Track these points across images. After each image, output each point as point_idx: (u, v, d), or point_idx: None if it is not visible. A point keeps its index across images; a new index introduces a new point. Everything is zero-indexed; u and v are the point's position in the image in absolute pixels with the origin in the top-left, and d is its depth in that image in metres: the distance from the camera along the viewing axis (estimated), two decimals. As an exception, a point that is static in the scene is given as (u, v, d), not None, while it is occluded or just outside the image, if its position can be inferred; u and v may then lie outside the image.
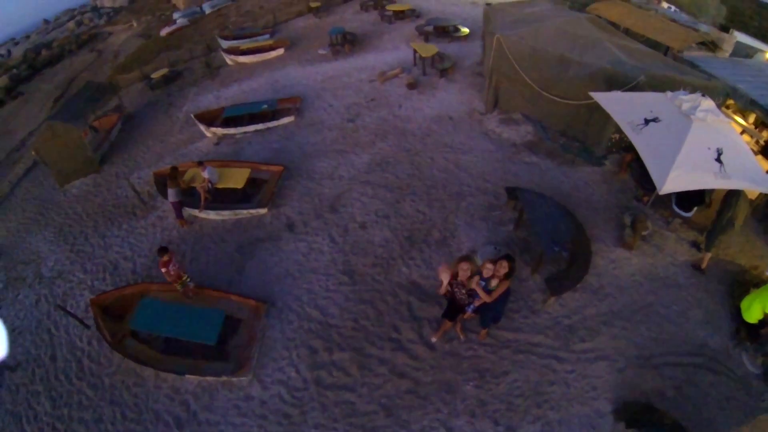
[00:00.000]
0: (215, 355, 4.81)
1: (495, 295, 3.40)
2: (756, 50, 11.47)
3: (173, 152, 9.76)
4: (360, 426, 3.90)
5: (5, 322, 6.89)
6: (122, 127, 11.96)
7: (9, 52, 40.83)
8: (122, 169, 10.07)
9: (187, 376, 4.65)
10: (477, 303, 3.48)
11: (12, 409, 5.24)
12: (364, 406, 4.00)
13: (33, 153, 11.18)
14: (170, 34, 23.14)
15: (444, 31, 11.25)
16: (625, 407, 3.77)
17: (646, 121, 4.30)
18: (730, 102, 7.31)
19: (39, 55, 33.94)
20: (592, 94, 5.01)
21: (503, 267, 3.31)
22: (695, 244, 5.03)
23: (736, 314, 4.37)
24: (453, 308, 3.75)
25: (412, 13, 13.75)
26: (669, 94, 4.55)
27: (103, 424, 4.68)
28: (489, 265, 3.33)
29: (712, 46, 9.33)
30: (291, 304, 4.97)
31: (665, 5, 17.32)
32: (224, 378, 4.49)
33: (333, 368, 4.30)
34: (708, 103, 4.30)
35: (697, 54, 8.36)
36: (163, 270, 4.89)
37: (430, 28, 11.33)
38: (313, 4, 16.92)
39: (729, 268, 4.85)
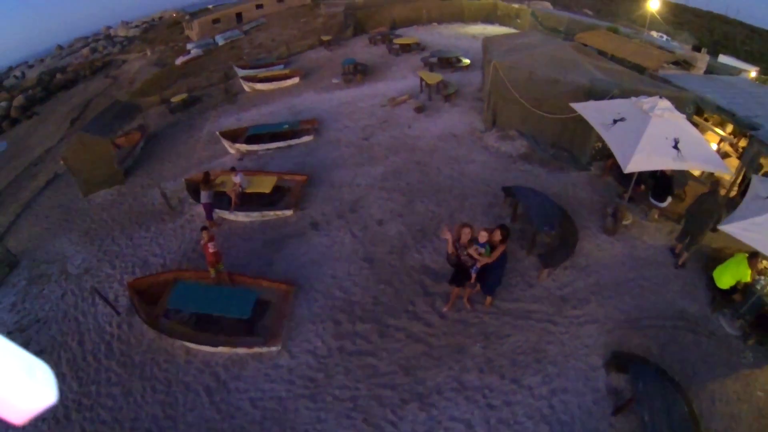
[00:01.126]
0: (245, 334, 5.62)
1: (495, 255, 4.42)
2: (740, 70, 13.62)
3: (197, 167, 11.06)
4: (381, 385, 4.70)
5: (29, 315, 7.64)
6: (144, 145, 13.40)
7: (23, 74, 44.37)
8: (147, 181, 11.27)
9: (221, 348, 5.43)
10: (479, 264, 4.48)
11: None
12: (384, 367, 4.83)
13: (61, 162, 12.46)
14: (185, 63, 25.76)
15: (447, 62, 13.19)
16: (614, 356, 4.63)
17: (615, 121, 5.57)
18: (712, 116, 8.76)
19: (53, 79, 36.97)
20: (573, 105, 6.37)
21: (497, 235, 4.38)
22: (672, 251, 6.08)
23: (712, 285, 5.34)
24: (459, 274, 4.73)
25: (418, 47, 15.94)
26: (633, 99, 5.87)
27: (132, 396, 5.33)
28: (483, 233, 4.41)
29: (685, 65, 11.17)
30: (317, 286, 5.91)
31: (655, 34, 19.99)
32: (255, 349, 5.29)
33: (356, 337, 5.17)
34: (665, 104, 5.57)
35: (671, 72, 10.05)
36: (208, 246, 5.82)
37: (434, 60, 13.28)
38: (325, 38, 19.35)
39: (703, 250, 5.89)
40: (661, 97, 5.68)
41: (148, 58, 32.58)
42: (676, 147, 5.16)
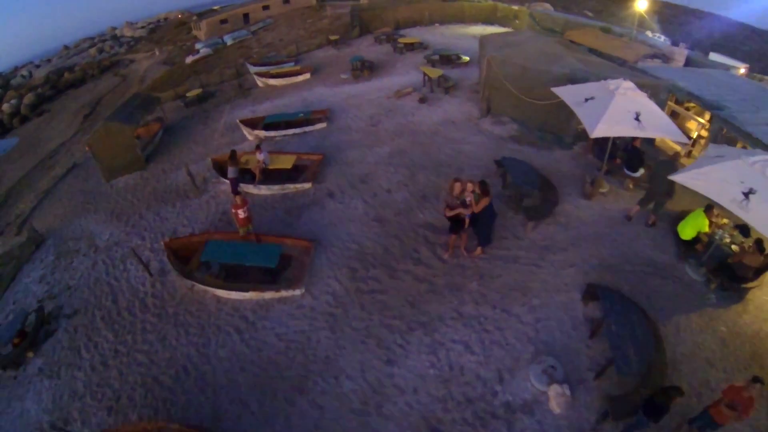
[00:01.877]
0: (271, 283, 6.65)
1: (480, 205, 5.49)
2: (729, 66, 14.98)
3: (216, 152, 12.18)
4: (391, 316, 5.75)
5: (59, 284, 8.52)
6: (163, 135, 14.59)
7: (30, 73, 46.23)
8: (168, 166, 12.41)
9: (250, 293, 6.46)
10: (469, 212, 5.56)
11: (70, 345, 6.78)
12: (393, 302, 5.89)
13: (87, 149, 13.61)
14: (195, 61, 27.22)
15: (448, 59, 14.45)
16: (588, 287, 5.66)
17: (586, 100, 6.72)
18: (691, 104, 9.90)
19: (62, 78, 38.62)
20: (554, 89, 7.53)
21: (476, 185, 5.49)
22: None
23: (677, 238, 6.30)
24: (455, 224, 5.80)
25: (420, 45, 17.26)
26: (602, 81, 7.00)
27: (167, 340, 6.30)
28: (469, 185, 5.51)
29: (665, 58, 12.50)
30: (334, 242, 7.02)
31: (650, 34, 21.41)
32: (282, 292, 6.33)
33: (369, 280, 6.24)
34: (628, 84, 6.69)
35: (650, 64, 11.28)
36: (239, 212, 6.90)
37: (436, 57, 14.56)
38: (332, 37, 20.73)
39: (671, 212, 6.91)
40: (625, 79, 6.81)
41: (157, 57, 34.19)
42: (637, 119, 6.28)
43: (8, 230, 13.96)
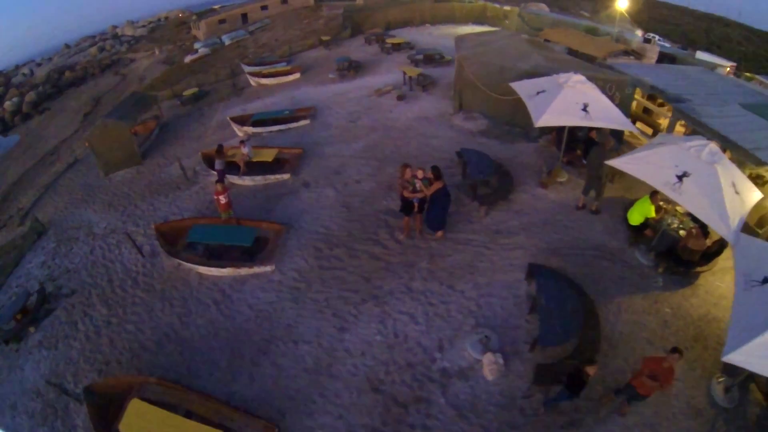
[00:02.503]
0: (248, 262, 7.54)
1: (432, 189, 6.27)
2: (716, 65, 15.78)
3: (207, 148, 13.15)
4: (347, 290, 6.58)
5: (59, 268, 9.45)
6: (159, 132, 15.62)
7: (32, 72, 47.93)
8: (162, 161, 13.39)
9: (227, 269, 7.35)
10: (419, 196, 6.36)
11: (67, 320, 7.65)
12: (350, 278, 6.73)
13: (86, 144, 14.68)
14: (193, 61, 28.40)
15: (431, 59, 15.31)
16: (528, 266, 6.28)
17: (537, 93, 7.42)
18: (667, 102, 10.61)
19: (63, 76, 40.13)
20: (511, 84, 8.29)
21: (427, 172, 6.29)
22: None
23: (627, 224, 6.79)
24: (406, 206, 6.60)
25: (407, 45, 18.15)
26: (554, 75, 7.65)
27: (153, 312, 7.17)
28: (419, 171, 6.28)
29: (636, 55, 13.28)
30: (305, 226, 7.88)
31: (640, 33, 22.20)
32: (255, 268, 7.20)
33: (331, 258, 7.09)
34: (578, 78, 7.33)
35: (618, 60, 12.08)
36: (220, 198, 7.82)
37: (419, 57, 15.45)
38: (324, 38, 21.72)
39: (625, 200, 7.55)
40: (576, 73, 7.49)
41: (157, 56, 35.49)
42: (584, 110, 6.94)
43: (11, 222, 15.06)
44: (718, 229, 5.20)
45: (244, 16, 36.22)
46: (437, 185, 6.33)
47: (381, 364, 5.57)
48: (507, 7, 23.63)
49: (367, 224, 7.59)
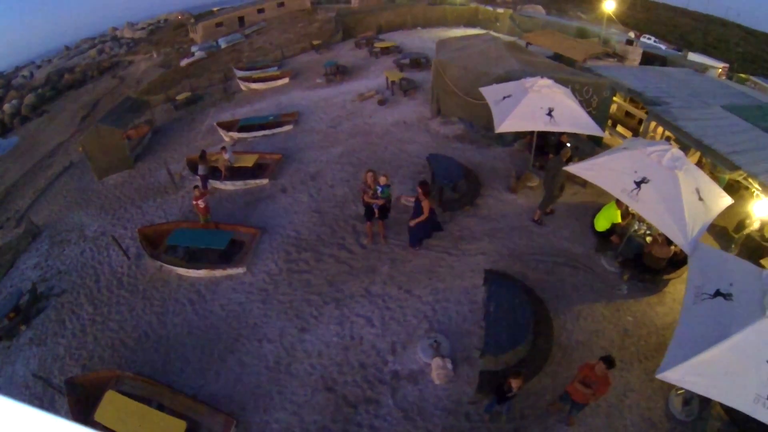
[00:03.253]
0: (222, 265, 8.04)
1: (425, 210, 6.33)
2: (708, 66, 16.04)
3: (193, 153, 13.72)
4: (311, 292, 7.00)
5: (51, 269, 10.05)
6: (152, 136, 16.25)
7: (32, 74, 49.32)
8: (153, 165, 13.99)
9: (203, 271, 7.84)
10: (378, 203, 6.73)
11: (56, 318, 8.17)
12: (315, 280, 7.16)
13: (80, 149, 15.34)
14: (189, 64, 29.13)
15: (417, 63, 15.76)
16: (485, 272, 6.54)
17: (503, 98, 7.66)
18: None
19: (62, 78, 41.28)
20: (481, 89, 8.57)
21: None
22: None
23: (594, 231, 6.83)
24: (368, 211, 7.00)
25: (396, 49, 18.62)
26: (521, 80, 7.87)
27: (135, 311, 7.66)
28: (383, 178, 6.62)
29: (618, 57, 13.58)
30: (278, 230, 8.35)
31: (632, 35, 22.47)
32: (228, 270, 7.68)
33: (299, 262, 7.54)
34: (545, 82, 7.52)
35: (599, 63, 12.38)
36: (199, 202, 8.34)
37: (406, 61, 15.90)
38: (315, 42, 22.28)
39: (593, 206, 7.72)
40: (542, 77, 7.70)
41: (154, 59, 36.38)
42: (549, 114, 7.14)
43: (7, 224, 15.76)
44: (674, 238, 5.16)
45: (241, 19, 37.01)
46: (427, 205, 6.31)
47: (335, 364, 5.95)
48: (500, 10, 24.02)
49: (336, 229, 8.04)
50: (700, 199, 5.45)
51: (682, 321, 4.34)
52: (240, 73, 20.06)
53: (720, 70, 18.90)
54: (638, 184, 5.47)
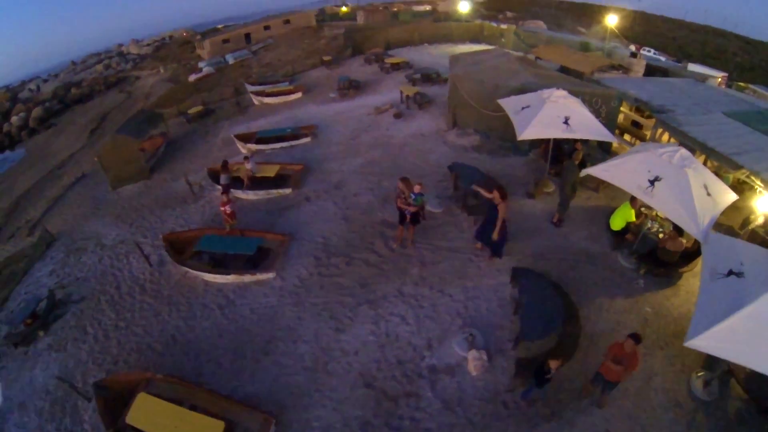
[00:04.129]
0: (251, 270, 8.34)
1: (501, 210, 6.67)
2: (707, 76, 16.89)
3: (213, 164, 14.19)
4: (344, 294, 7.34)
5: (69, 276, 10.22)
6: (166, 148, 16.78)
7: (38, 87, 50.58)
8: (170, 176, 14.44)
9: (232, 276, 8.13)
10: (412, 210, 7.17)
11: (76, 324, 8.35)
12: (347, 283, 7.50)
13: (96, 159, 15.77)
14: (198, 80, 30.10)
15: (428, 78, 16.54)
16: (512, 270, 7.03)
17: (522, 108, 8.29)
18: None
19: (69, 92, 42.33)
20: (499, 101, 9.21)
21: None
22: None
23: (610, 230, 7.44)
24: (402, 216, 7.43)
25: (406, 65, 19.49)
26: (538, 91, 8.53)
27: (161, 316, 7.90)
28: (417, 187, 7.12)
29: (624, 69, 14.40)
30: (306, 237, 8.72)
31: (638, 48, 23.56)
32: (257, 275, 7.98)
33: (330, 266, 7.88)
34: (560, 93, 8.20)
35: (606, 75, 13.17)
36: (226, 207, 8.72)
37: (417, 76, 16.69)
38: (326, 58, 23.23)
39: (606, 210, 8.26)
40: (558, 88, 8.39)
41: (162, 74, 37.52)
42: (566, 123, 7.81)
43: (19, 233, 16.01)
44: (688, 228, 5.75)
45: (248, 35, 38.42)
46: (503, 207, 6.61)
47: (373, 361, 6.25)
48: (504, 26, 25.21)
49: (363, 234, 8.43)
50: (708, 194, 6.07)
51: (701, 297, 4.87)
52: (251, 88, 20.83)
53: (720, 79, 19.85)
54: (652, 182, 6.07)
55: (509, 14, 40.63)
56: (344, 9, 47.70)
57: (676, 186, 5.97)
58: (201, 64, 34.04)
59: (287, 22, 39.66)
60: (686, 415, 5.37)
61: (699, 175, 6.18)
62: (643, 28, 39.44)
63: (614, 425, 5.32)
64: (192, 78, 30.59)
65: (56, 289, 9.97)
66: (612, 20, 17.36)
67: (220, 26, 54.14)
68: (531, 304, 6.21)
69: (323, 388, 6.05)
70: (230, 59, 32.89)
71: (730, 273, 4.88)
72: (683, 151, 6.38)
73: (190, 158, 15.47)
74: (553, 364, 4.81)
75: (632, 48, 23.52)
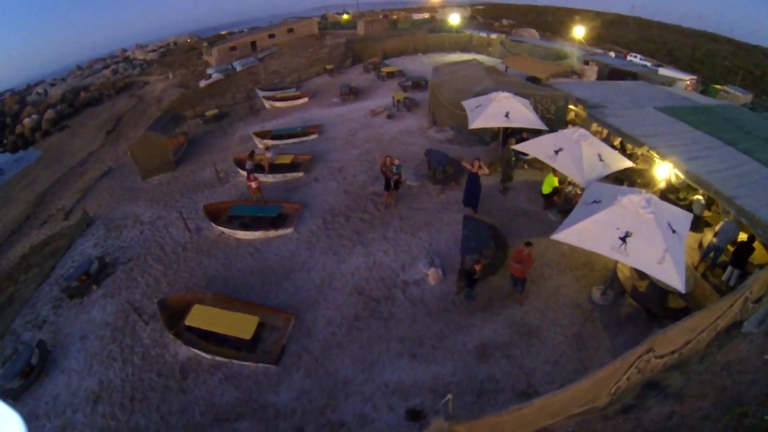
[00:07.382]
0: (274, 228, 11.96)
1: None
2: (675, 79, 20.59)
3: (235, 155, 17.93)
4: (344, 239, 10.95)
5: (112, 246, 13.79)
6: (188, 146, 20.62)
7: (46, 91, 55.60)
8: (194, 167, 18.23)
9: (259, 233, 11.75)
10: (395, 177, 10.85)
11: (127, 277, 11.82)
12: (346, 233, 11.15)
13: (128, 153, 19.54)
14: (209, 85, 34.34)
15: (418, 85, 20.46)
16: (463, 218, 10.51)
17: (476, 107, 12.01)
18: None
19: (78, 96, 47.00)
20: (462, 102, 12.99)
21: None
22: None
23: (541, 194, 10.87)
24: (387, 183, 11.10)
25: (400, 73, 23.49)
26: (490, 94, 12.25)
27: (203, 264, 11.52)
28: (397, 161, 10.81)
29: (578, 75, 18.25)
30: (315, 205, 12.44)
31: (612, 54, 27.24)
32: (280, 231, 11.61)
33: (334, 223, 11.54)
34: (504, 94, 11.83)
35: (562, 80, 16.97)
36: (252, 183, 12.43)
37: (408, 83, 20.63)
38: (328, 67, 27.34)
39: (537, 181, 11.80)
40: (501, 91, 12.08)
41: (171, 80, 42.02)
42: (506, 116, 11.47)
43: (51, 219, 19.58)
44: (575, 178, 9.11)
45: (253, 43, 43.02)
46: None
47: (363, 279, 9.80)
48: (493, 35, 29.34)
49: (359, 201, 12.13)
50: (601, 159, 9.35)
51: (571, 214, 7.59)
52: (263, 93, 24.86)
53: (687, 82, 23.44)
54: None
55: (505, 22, 45.07)
56: (346, 17, 52.53)
57: (571, 153, 9.40)
58: (210, 71, 38.40)
59: (291, 30, 44.33)
60: (584, 314, 8.37)
61: (592, 146, 9.51)
62: (636, 35, 43.67)
63: (529, 315, 8.54)
64: (202, 84, 34.84)
65: (103, 255, 13.08)
66: (579, 32, 21.29)
67: (224, 32, 58.99)
68: (469, 234, 9.66)
69: (328, 297, 9.56)
70: (238, 66, 37.24)
71: (594, 201, 7.43)
72: (581, 131, 9.83)
73: (210, 153, 19.33)
74: (478, 267, 8.18)
75: (611, 54, 27.34)
